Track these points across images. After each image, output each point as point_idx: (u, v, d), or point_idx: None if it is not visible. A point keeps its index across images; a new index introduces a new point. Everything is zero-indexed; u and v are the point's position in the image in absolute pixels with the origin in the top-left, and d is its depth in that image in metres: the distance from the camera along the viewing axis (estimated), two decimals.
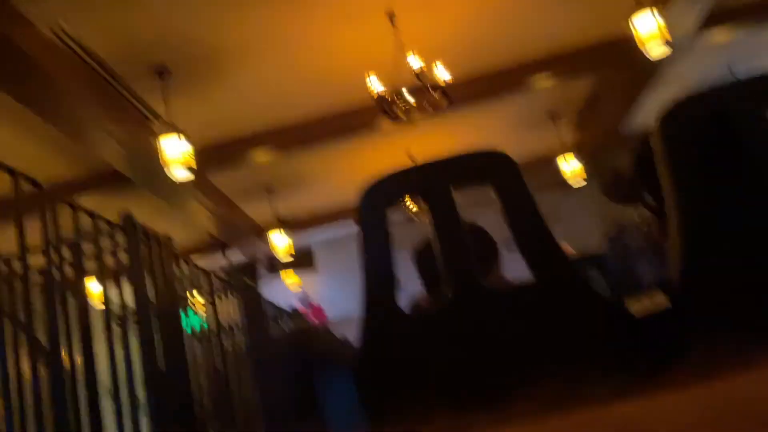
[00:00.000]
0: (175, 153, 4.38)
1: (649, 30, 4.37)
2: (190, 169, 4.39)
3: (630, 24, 4.46)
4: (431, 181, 1.37)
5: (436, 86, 4.29)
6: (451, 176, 1.37)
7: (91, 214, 1.82)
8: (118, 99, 4.89)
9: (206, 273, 3.25)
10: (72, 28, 4.07)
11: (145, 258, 2.09)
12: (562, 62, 5.81)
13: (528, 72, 5.82)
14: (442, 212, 1.33)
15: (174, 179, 4.49)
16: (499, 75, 5.78)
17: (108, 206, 2.31)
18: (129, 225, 2.02)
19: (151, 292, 2.15)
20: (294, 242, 7.88)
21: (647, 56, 4.52)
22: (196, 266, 2.97)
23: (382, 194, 1.39)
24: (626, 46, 5.45)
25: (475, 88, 5.73)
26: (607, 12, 5.15)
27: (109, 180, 5.88)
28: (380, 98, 4.33)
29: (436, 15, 4.82)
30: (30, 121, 4.58)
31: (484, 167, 1.41)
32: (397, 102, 4.32)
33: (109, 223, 1.95)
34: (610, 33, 5.49)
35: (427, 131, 6.42)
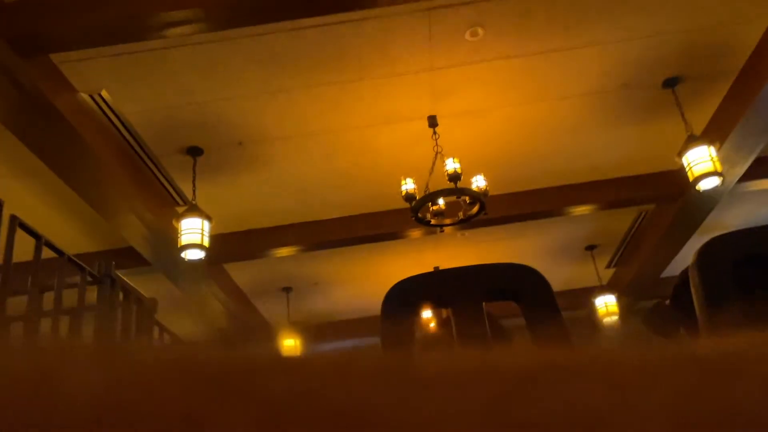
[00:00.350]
0: (194, 235, 4.19)
1: (701, 163, 4.17)
2: (203, 248, 4.17)
3: (681, 158, 4.28)
4: (459, 287, 1.33)
5: (470, 193, 4.10)
6: (479, 285, 1.36)
7: (59, 252, 1.56)
8: (147, 175, 4.80)
9: None
10: (112, 99, 4.05)
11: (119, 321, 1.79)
12: (604, 192, 5.62)
13: (568, 197, 5.62)
14: (468, 320, 1.32)
15: (185, 259, 4.26)
16: (536, 196, 5.59)
17: None
18: (106, 277, 1.74)
19: None
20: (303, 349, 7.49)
21: (696, 189, 4.30)
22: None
23: (409, 296, 1.35)
24: (672, 184, 5.28)
25: (511, 206, 5.53)
26: (655, 146, 5.02)
27: (125, 259, 5.69)
28: (411, 198, 4.13)
29: (479, 127, 4.72)
30: (54, 187, 4.49)
31: (513, 281, 1.38)
32: (430, 207, 4.12)
33: (80, 266, 1.67)
34: (657, 168, 5.34)
35: (456, 247, 6.19)
